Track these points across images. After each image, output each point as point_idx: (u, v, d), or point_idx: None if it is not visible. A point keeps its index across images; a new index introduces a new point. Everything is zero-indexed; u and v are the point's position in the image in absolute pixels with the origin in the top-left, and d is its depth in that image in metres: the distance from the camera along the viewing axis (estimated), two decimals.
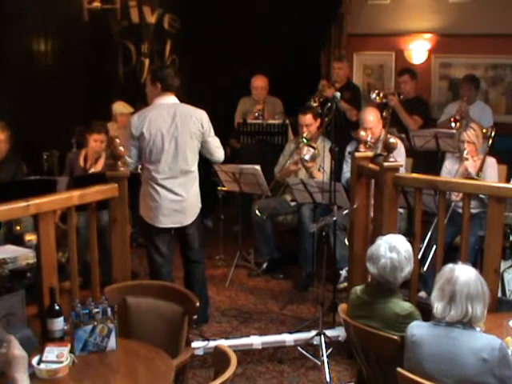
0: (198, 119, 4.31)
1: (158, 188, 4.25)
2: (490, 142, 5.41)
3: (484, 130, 5.29)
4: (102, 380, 2.86)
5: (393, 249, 3.08)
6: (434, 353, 2.63)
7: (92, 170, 5.29)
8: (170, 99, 4.30)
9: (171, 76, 4.28)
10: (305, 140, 5.44)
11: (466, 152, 4.85)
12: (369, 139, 5.05)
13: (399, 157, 4.91)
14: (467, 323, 2.63)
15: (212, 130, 4.40)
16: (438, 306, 2.66)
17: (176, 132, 4.22)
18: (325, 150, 4.96)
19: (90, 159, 5.36)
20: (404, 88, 6.44)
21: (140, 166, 4.44)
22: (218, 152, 4.48)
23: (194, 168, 4.36)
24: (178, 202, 4.29)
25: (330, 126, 4.78)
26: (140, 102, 5.15)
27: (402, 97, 6.26)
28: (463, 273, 2.65)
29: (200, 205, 4.44)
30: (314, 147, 5.39)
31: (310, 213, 5.27)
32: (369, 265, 3.12)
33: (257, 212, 5.47)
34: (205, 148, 4.40)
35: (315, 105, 6.11)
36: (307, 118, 5.49)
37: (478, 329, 2.80)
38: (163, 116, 4.23)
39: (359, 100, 6.69)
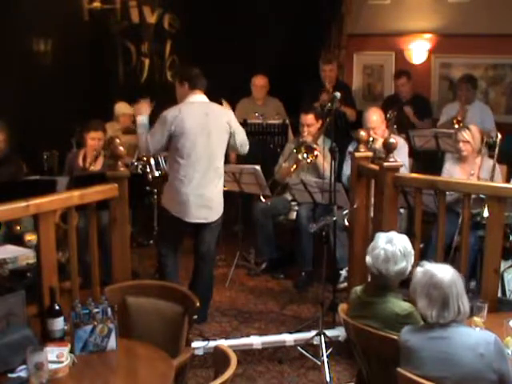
0: (227, 119, 4.45)
1: (188, 183, 4.32)
2: (497, 149, 5.04)
3: (485, 139, 5.18)
4: (102, 380, 2.86)
5: (389, 241, 3.09)
6: (430, 355, 2.62)
7: (91, 169, 5.28)
8: (201, 97, 4.42)
9: (197, 75, 4.41)
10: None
11: (464, 153, 4.90)
12: (371, 139, 5.06)
13: (401, 155, 4.92)
14: (460, 321, 2.64)
15: (239, 126, 4.58)
16: (432, 314, 2.64)
17: (209, 129, 4.33)
18: (325, 150, 4.96)
19: (89, 157, 5.35)
20: (403, 90, 6.49)
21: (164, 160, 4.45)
22: (247, 144, 4.63)
23: (221, 164, 4.48)
24: (207, 197, 4.38)
25: (330, 126, 4.78)
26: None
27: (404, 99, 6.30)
28: (443, 273, 2.66)
29: (223, 202, 4.53)
30: (314, 148, 5.37)
31: (307, 213, 5.27)
32: (367, 257, 3.14)
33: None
34: (238, 140, 4.52)
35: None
36: (309, 118, 5.47)
37: (477, 329, 2.80)
38: (196, 113, 4.34)
39: (352, 97, 6.70)
